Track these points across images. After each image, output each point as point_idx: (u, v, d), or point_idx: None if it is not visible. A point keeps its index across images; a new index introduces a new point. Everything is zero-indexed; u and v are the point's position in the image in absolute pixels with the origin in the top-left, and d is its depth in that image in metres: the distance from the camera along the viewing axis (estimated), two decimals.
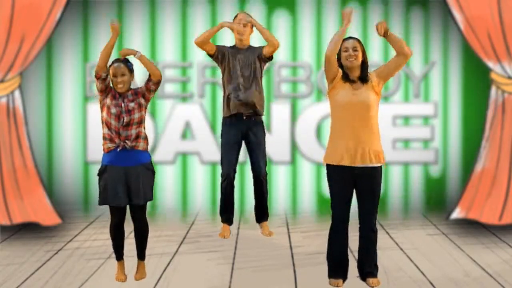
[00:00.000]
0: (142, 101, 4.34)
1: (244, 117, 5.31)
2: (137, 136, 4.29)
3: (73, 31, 6.85)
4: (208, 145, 6.87)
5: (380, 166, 4.20)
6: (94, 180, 4.47)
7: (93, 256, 4.97)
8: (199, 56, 6.78)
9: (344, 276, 4.30)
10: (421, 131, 7.00)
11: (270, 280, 4.41)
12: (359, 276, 4.35)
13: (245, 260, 4.89)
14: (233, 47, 5.41)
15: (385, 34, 4.15)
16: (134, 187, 4.27)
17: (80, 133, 6.94)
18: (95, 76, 4.30)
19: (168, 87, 6.96)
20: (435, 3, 6.80)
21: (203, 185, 7.01)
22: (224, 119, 5.43)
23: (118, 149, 4.24)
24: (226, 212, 5.51)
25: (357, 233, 4.30)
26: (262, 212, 5.56)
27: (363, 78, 4.14)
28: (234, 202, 5.56)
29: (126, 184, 4.27)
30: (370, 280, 4.26)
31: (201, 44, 5.31)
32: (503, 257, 5.00)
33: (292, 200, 7.01)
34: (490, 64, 6.08)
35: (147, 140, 4.38)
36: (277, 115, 6.96)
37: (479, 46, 6.06)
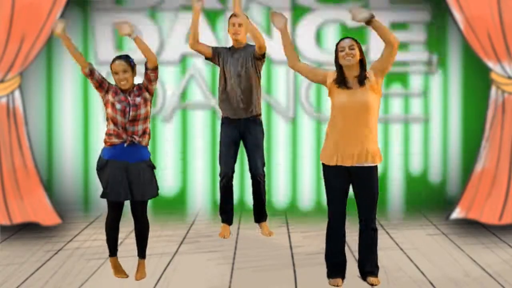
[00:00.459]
0: (147, 95, 4.33)
1: (240, 118, 5.34)
2: (144, 132, 4.30)
3: (73, 31, 6.84)
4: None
5: (376, 166, 4.20)
6: (94, 180, 4.48)
7: (93, 256, 4.97)
8: (199, 59, 6.79)
9: (342, 275, 4.30)
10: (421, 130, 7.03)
11: (270, 280, 4.41)
12: (360, 275, 4.35)
13: (245, 260, 4.89)
14: (231, 47, 5.42)
15: (370, 21, 4.05)
16: (135, 184, 4.27)
17: (80, 133, 6.94)
18: (84, 74, 4.29)
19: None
20: (435, 3, 6.80)
21: (203, 185, 7.00)
22: (222, 117, 5.45)
23: (125, 145, 4.23)
24: (225, 212, 5.52)
25: (357, 233, 4.30)
26: (260, 213, 5.57)
27: (361, 78, 4.11)
28: (233, 201, 5.57)
29: (128, 180, 4.26)
30: (371, 279, 4.26)
31: (195, 45, 5.31)
32: (503, 257, 5.00)
33: (292, 200, 7.02)
34: (490, 64, 6.08)
35: (150, 135, 4.39)
36: None
37: (479, 46, 6.06)
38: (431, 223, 6.18)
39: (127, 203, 4.38)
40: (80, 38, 6.87)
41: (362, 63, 4.13)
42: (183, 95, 6.98)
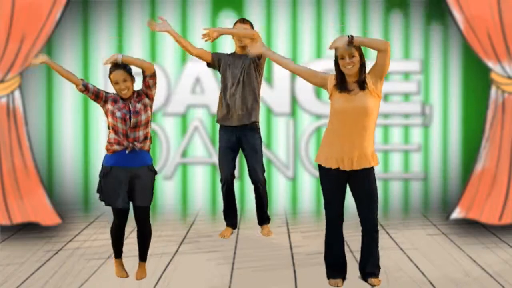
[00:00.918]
0: (147, 101, 4.34)
1: (237, 125, 5.35)
2: (145, 138, 4.32)
3: (73, 31, 6.85)
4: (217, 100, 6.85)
5: (373, 167, 4.20)
6: (94, 180, 4.47)
7: (93, 256, 4.97)
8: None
9: (343, 276, 4.30)
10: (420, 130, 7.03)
11: (270, 280, 4.41)
12: (361, 276, 4.35)
13: (245, 260, 4.89)
14: (232, 54, 5.43)
15: (351, 41, 3.98)
16: (138, 189, 4.28)
17: (80, 133, 6.94)
18: (80, 91, 4.32)
19: None
20: (435, 3, 6.80)
21: (203, 185, 7.00)
22: (220, 124, 5.47)
23: (127, 151, 4.25)
24: (229, 216, 5.59)
25: (358, 233, 4.30)
26: (263, 217, 5.63)
27: (362, 82, 4.08)
28: (236, 206, 5.62)
29: (130, 186, 4.28)
30: (372, 279, 4.26)
31: (192, 52, 5.33)
32: (503, 257, 5.00)
33: (292, 200, 7.02)
34: (490, 64, 6.07)
35: (151, 140, 4.40)
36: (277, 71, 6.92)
37: (479, 46, 6.06)
38: (431, 223, 6.18)
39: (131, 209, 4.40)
40: (80, 38, 6.87)
41: (362, 66, 4.10)
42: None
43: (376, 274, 4.29)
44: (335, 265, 4.30)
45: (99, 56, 6.85)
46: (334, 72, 4.17)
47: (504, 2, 5.96)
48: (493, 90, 6.14)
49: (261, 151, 5.50)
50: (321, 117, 6.94)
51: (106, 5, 6.87)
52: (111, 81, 4.27)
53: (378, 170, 4.29)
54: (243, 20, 5.41)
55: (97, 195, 4.37)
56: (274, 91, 6.92)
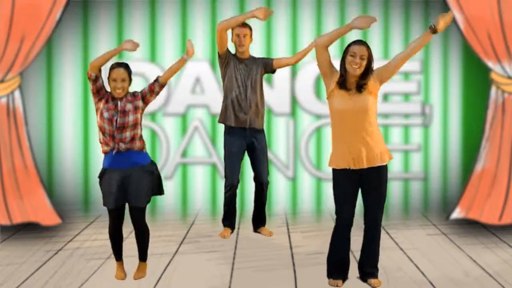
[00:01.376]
0: (140, 103, 4.32)
1: (246, 128, 5.36)
2: (132, 139, 4.29)
3: (73, 31, 6.85)
4: (216, 99, 6.78)
5: (386, 165, 4.19)
6: (94, 180, 4.48)
7: (93, 256, 4.97)
8: (199, 57, 6.80)
9: (344, 277, 4.30)
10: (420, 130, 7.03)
11: (270, 280, 4.41)
12: (360, 276, 4.35)
13: (245, 260, 4.89)
14: (235, 55, 5.42)
15: (435, 32, 3.97)
16: (131, 190, 4.27)
17: (80, 133, 6.94)
18: (88, 76, 4.28)
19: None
20: (435, 3, 6.80)
21: (203, 185, 7.00)
22: (226, 127, 5.45)
23: (114, 152, 4.24)
24: (229, 219, 5.60)
25: (358, 233, 4.30)
26: (260, 219, 5.64)
27: (362, 84, 4.06)
28: (236, 210, 5.63)
29: (124, 187, 4.27)
30: (372, 280, 4.26)
31: (224, 29, 5.24)
32: (503, 257, 5.00)
33: (292, 200, 7.02)
34: (490, 64, 6.08)
35: (143, 140, 4.37)
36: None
37: (479, 46, 6.06)
38: (431, 223, 6.18)
39: (127, 211, 4.39)
40: (80, 39, 6.87)
41: (366, 71, 4.06)
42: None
43: (375, 275, 4.29)
44: (337, 266, 4.29)
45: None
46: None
47: (504, 2, 5.96)
48: (493, 90, 6.15)
49: (267, 153, 5.55)
50: (321, 117, 6.94)
51: (106, 5, 6.87)
52: (109, 76, 4.25)
53: None
54: (243, 24, 5.39)
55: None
56: (274, 91, 6.91)
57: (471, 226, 5.98)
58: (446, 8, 6.22)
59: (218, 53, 5.36)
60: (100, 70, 4.28)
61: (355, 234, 4.31)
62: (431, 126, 7.02)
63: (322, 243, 5.20)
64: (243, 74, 5.35)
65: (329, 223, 6.02)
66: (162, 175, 6.84)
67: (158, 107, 6.85)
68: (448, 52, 6.96)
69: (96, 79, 4.26)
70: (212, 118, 6.95)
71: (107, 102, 4.27)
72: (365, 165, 4.11)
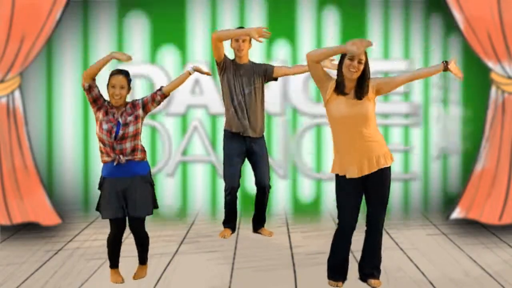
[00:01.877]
0: (140, 113, 4.29)
1: (247, 136, 5.38)
2: (133, 150, 4.26)
3: (73, 31, 6.85)
4: (215, 100, 6.87)
5: (389, 167, 4.17)
6: (94, 180, 4.48)
7: (93, 256, 4.97)
8: (199, 59, 6.81)
9: (344, 278, 4.30)
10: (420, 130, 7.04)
11: (270, 280, 4.41)
12: (360, 277, 4.35)
13: (245, 260, 4.89)
14: (234, 61, 5.42)
15: (446, 69, 4.07)
16: (130, 200, 4.25)
17: (80, 133, 6.94)
18: (82, 87, 4.25)
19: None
20: (435, 3, 6.80)
21: (203, 185, 7.01)
22: (226, 131, 5.45)
23: (114, 163, 4.22)
24: (230, 222, 5.61)
25: (358, 233, 4.29)
26: (260, 221, 5.65)
27: (361, 89, 4.04)
28: (237, 213, 5.63)
29: (123, 197, 4.25)
30: (372, 281, 4.26)
31: (220, 39, 5.22)
32: (503, 257, 5.00)
33: (292, 200, 7.02)
34: (490, 64, 6.08)
35: (144, 151, 4.35)
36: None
37: (479, 46, 6.06)
38: (431, 223, 6.18)
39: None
40: (80, 38, 6.87)
41: (364, 74, 4.05)
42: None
43: (375, 276, 4.28)
44: (338, 268, 4.29)
45: (99, 57, 6.82)
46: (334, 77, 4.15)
47: (504, 2, 5.96)
48: (493, 90, 6.15)
49: (268, 157, 5.55)
50: (316, 116, 6.92)
51: (106, 5, 6.87)
52: (108, 82, 4.23)
53: None
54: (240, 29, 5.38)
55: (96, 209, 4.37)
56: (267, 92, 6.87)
57: (471, 226, 5.98)
58: (446, 8, 6.23)
59: (216, 60, 5.37)
60: (93, 79, 4.23)
61: (356, 234, 4.30)
62: (431, 126, 7.01)
63: (322, 243, 5.20)
64: (242, 80, 5.34)
65: (329, 223, 6.04)
66: (163, 172, 6.91)
67: (159, 108, 6.85)
68: (448, 52, 6.96)
69: (90, 88, 4.21)
70: (211, 118, 6.95)
71: (106, 113, 4.23)
72: (367, 172, 4.10)
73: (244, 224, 5.98)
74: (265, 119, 5.59)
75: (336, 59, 4.55)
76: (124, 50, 6.79)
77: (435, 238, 5.62)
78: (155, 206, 4.41)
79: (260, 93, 5.42)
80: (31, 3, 5.93)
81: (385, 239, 5.39)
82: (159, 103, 4.36)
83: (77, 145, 6.94)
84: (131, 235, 4.43)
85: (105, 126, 4.19)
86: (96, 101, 4.25)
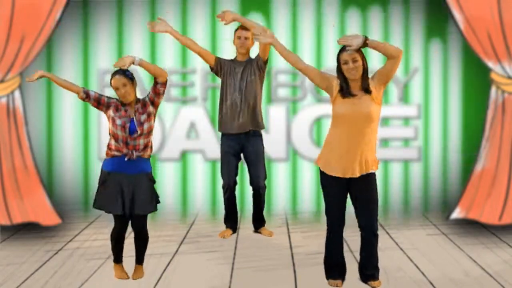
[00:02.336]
0: (151, 109, 4.33)
1: (241, 133, 5.35)
2: (145, 146, 4.31)
3: (73, 31, 6.85)
4: (212, 144, 6.88)
5: (374, 172, 4.17)
6: (94, 180, 4.47)
7: (93, 256, 4.97)
8: (200, 61, 6.80)
9: (342, 278, 4.30)
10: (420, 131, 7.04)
11: (270, 280, 4.41)
12: (360, 278, 4.34)
13: (245, 260, 4.89)
14: (233, 60, 5.42)
15: (365, 44, 3.93)
16: (137, 197, 4.26)
17: (80, 133, 6.94)
18: (81, 99, 4.32)
19: (172, 91, 6.96)
20: (435, 3, 6.80)
21: (203, 185, 7.01)
22: (222, 132, 5.45)
23: (126, 158, 4.24)
24: (230, 221, 5.60)
25: (358, 233, 4.29)
26: (259, 221, 5.65)
27: (365, 87, 4.03)
28: (237, 211, 5.63)
29: (128, 193, 4.26)
30: (372, 282, 4.26)
31: (196, 51, 5.34)
32: (503, 257, 5.00)
33: (292, 200, 7.02)
34: (490, 64, 6.08)
35: (152, 148, 4.39)
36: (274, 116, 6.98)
37: (479, 46, 6.06)
38: (431, 223, 6.18)
39: None
40: (80, 38, 6.87)
41: (365, 71, 4.04)
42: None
43: (375, 277, 4.28)
44: (334, 268, 4.29)
45: (99, 56, 6.86)
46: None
47: (504, 2, 5.96)
48: (493, 90, 6.15)
49: (264, 157, 5.50)
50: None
51: (106, 5, 6.87)
52: (112, 88, 4.26)
53: (378, 170, 4.26)
54: (244, 27, 5.38)
55: (94, 207, 4.37)
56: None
57: (471, 226, 5.97)
58: (446, 8, 6.23)
59: (210, 67, 5.42)
60: (82, 88, 4.30)
61: (355, 234, 4.30)
62: (431, 126, 7.01)
63: (322, 243, 5.16)
64: (238, 77, 5.33)
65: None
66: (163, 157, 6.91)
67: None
68: (448, 52, 6.96)
69: (87, 95, 4.28)
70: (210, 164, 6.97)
71: (117, 109, 4.27)
72: (354, 175, 4.10)
73: (244, 224, 5.98)
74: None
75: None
76: (124, 50, 6.80)
77: (435, 238, 5.61)
78: (157, 201, 4.42)
79: (255, 87, 5.35)
80: (31, 3, 5.93)
81: (385, 239, 5.41)
82: (163, 93, 4.35)
83: (77, 145, 6.94)
84: (129, 236, 4.42)
85: (118, 122, 4.23)
86: (99, 102, 4.29)
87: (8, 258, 4.93)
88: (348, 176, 4.11)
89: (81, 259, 4.89)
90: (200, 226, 6.02)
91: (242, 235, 5.65)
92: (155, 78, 4.33)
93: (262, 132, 5.53)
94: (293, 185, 7.06)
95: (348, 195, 4.23)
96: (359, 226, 4.22)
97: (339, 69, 4.07)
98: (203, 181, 7.01)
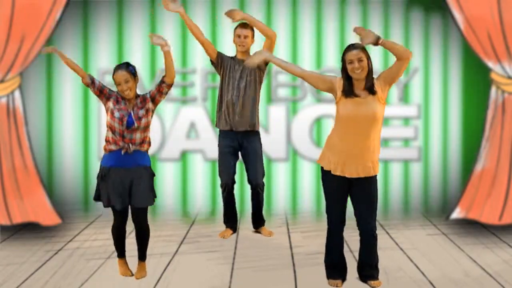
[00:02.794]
0: (150, 105, 4.35)
1: (239, 131, 5.35)
2: (142, 141, 4.32)
3: (73, 31, 6.85)
4: (211, 144, 6.89)
5: (375, 175, 4.17)
6: (94, 180, 4.47)
7: (93, 256, 4.97)
8: (200, 61, 6.82)
9: (343, 278, 4.30)
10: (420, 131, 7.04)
11: (270, 280, 4.41)
12: (359, 278, 4.35)
13: (245, 260, 4.89)
14: (233, 57, 5.42)
15: (376, 43, 3.94)
16: (135, 190, 4.28)
17: (80, 133, 6.94)
18: (85, 85, 4.36)
19: (172, 91, 6.96)
20: (435, 3, 6.80)
21: (203, 185, 7.01)
22: (220, 129, 5.45)
23: (122, 152, 4.25)
24: (229, 221, 5.61)
25: (357, 232, 4.29)
26: (258, 220, 5.64)
27: (370, 87, 4.02)
28: (236, 210, 5.62)
29: (128, 187, 4.28)
30: (372, 282, 4.26)
31: (200, 40, 5.32)
32: (503, 257, 5.00)
33: (292, 200, 7.02)
34: (490, 64, 6.07)
35: (150, 143, 4.41)
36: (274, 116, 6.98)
37: (479, 46, 6.06)
38: (431, 223, 6.18)
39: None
40: (80, 38, 6.87)
41: (370, 71, 4.03)
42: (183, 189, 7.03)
43: (375, 277, 4.28)
44: (335, 268, 4.30)
45: (99, 56, 6.86)
46: (336, 75, 4.14)
47: (504, 2, 5.96)
48: (493, 90, 6.14)
49: (262, 154, 5.50)
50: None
51: (106, 5, 6.87)
52: (114, 81, 4.28)
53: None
54: (244, 25, 5.38)
55: (95, 198, 4.38)
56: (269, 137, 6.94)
57: (471, 226, 5.97)
58: (446, 8, 6.23)
59: (211, 60, 5.40)
60: (88, 74, 4.34)
61: (355, 234, 4.30)
62: (431, 126, 7.01)
63: (322, 243, 5.17)
64: (237, 75, 5.33)
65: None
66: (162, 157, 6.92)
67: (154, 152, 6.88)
68: (448, 52, 6.96)
69: (92, 82, 4.31)
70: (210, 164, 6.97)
71: (117, 102, 4.29)
72: (356, 175, 4.10)
73: (244, 224, 5.98)
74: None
75: None
76: (124, 50, 6.80)
77: (435, 238, 5.61)
78: (154, 195, 4.44)
79: (254, 87, 5.36)
80: (31, 3, 5.93)
81: (385, 239, 5.41)
82: (166, 94, 4.40)
83: (77, 145, 6.94)
84: (130, 235, 4.43)
85: (117, 114, 4.24)
86: (102, 91, 4.32)
87: (8, 258, 4.93)
88: (351, 176, 4.11)
89: (81, 259, 4.89)
90: (200, 226, 6.02)
91: (242, 235, 5.65)
92: (163, 77, 4.36)
93: (260, 130, 5.54)
94: (293, 185, 7.06)
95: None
96: (358, 227, 4.23)
97: (343, 69, 4.06)
98: (203, 181, 7.02)
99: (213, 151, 6.85)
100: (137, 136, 4.29)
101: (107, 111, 4.32)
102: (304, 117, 6.98)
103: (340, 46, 6.77)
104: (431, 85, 7.02)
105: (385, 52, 6.91)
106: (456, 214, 6.19)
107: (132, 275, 4.43)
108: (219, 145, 5.50)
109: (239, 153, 5.50)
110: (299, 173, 7.06)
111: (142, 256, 4.48)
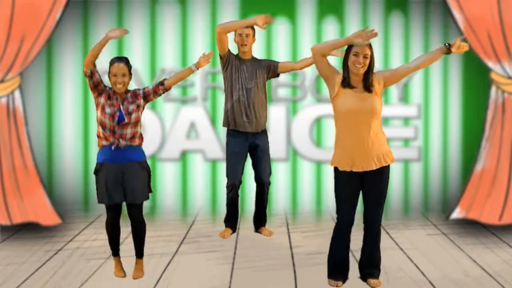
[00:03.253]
0: (142, 102, 4.35)
1: (248, 132, 5.36)
2: (133, 136, 4.32)
3: (73, 31, 6.85)
4: (211, 144, 6.90)
5: (388, 165, 4.18)
6: (94, 180, 4.47)
7: (93, 256, 4.97)
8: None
9: (344, 278, 4.29)
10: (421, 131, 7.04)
11: (270, 280, 4.41)
12: (360, 276, 4.35)
13: (245, 260, 4.89)
14: (237, 56, 5.41)
15: (449, 52, 4.04)
16: (129, 186, 4.28)
17: (80, 133, 6.94)
18: (84, 74, 4.29)
19: (172, 91, 6.96)
20: (435, 3, 6.80)
21: (203, 185, 7.01)
22: (228, 129, 5.45)
23: (113, 147, 4.25)
24: (231, 220, 5.60)
25: (358, 233, 4.29)
26: (261, 219, 5.64)
27: (368, 82, 4.04)
28: (238, 210, 5.62)
29: (121, 182, 4.28)
30: (371, 281, 4.26)
31: (223, 32, 5.22)
32: (503, 257, 5.00)
33: (292, 200, 7.02)
34: (490, 64, 6.08)
35: (142, 138, 4.40)
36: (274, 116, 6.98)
37: (479, 46, 6.06)
38: (431, 223, 6.18)
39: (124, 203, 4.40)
40: (80, 38, 6.87)
41: (369, 70, 4.05)
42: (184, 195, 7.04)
43: (375, 276, 4.28)
44: (338, 267, 4.29)
45: (99, 56, 6.83)
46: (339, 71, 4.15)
47: (504, 2, 5.96)
48: (493, 90, 6.15)
49: (269, 154, 5.53)
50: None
51: (106, 5, 6.87)
52: (110, 71, 4.26)
53: None
54: None
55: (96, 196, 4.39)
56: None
57: (471, 226, 5.98)
58: (446, 8, 6.23)
59: (219, 54, 5.35)
60: (94, 65, 4.27)
61: (355, 234, 4.30)
62: (431, 126, 7.02)
63: (322, 243, 5.20)
64: (245, 76, 5.33)
65: (329, 223, 6.03)
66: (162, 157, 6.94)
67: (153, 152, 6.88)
68: None
69: (92, 74, 4.26)
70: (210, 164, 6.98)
71: (109, 98, 4.28)
72: (367, 168, 4.10)
73: (244, 224, 5.98)
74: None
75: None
76: (124, 50, 6.79)
77: (435, 238, 5.62)
78: (150, 191, 4.44)
79: (262, 89, 5.40)
80: (31, 3, 5.93)
81: (385, 239, 5.41)
82: (160, 95, 4.45)
83: (77, 145, 6.94)
84: (128, 235, 4.42)
85: (108, 110, 4.24)
86: (97, 86, 4.29)
87: (8, 258, 4.93)
88: (361, 169, 4.10)
89: (81, 259, 4.89)
90: (200, 226, 6.02)
91: (242, 235, 5.65)
92: (165, 79, 4.42)
93: None
94: (293, 185, 7.06)
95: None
96: (363, 222, 4.23)
97: (345, 60, 4.06)
98: (203, 181, 7.02)
99: (213, 151, 6.89)
100: (128, 131, 4.28)
101: (97, 106, 4.31)
102: (304, 117, 6.99)
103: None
104: (431, 85, 7.03)
105: (385, 52, 6.93)
106: (456, 214, 6.19)
107: (125, 276, 4.41)
108: (228, 145, 5.47)
109: (248, 152, 5.49)
110: (299, 173, 7.06)
111: (139, 254, 4.47)
